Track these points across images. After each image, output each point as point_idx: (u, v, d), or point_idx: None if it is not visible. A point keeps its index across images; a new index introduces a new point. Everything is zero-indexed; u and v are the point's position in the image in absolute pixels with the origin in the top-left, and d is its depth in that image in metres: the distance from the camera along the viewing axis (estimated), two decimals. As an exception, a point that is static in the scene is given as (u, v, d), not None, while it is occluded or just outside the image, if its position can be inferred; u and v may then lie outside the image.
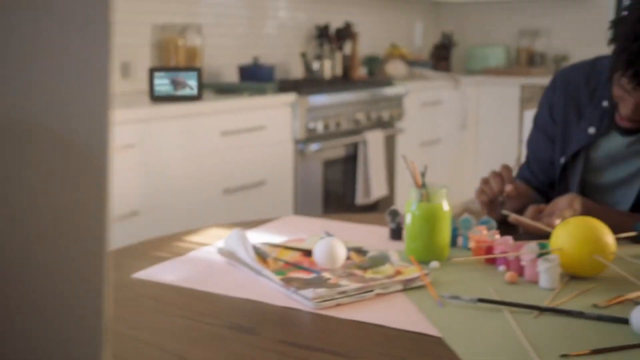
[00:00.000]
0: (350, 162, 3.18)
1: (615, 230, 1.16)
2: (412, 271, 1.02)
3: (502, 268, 1.06)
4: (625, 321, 0.84)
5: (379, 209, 3.40)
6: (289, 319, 0.89)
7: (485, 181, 1.29)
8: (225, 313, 0.90)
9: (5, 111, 0.39)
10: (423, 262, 1.09)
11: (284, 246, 1.15)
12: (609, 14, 3.58)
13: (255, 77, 3.07)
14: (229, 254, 1.11)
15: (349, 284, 0.97)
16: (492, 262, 1.10)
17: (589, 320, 0.87)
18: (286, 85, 2.94)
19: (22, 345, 0.41)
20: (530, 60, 4.53)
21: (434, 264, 1.08)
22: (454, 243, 1.19)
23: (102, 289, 0.44)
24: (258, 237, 1.25)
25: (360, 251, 1.12)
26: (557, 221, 1.12)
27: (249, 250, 1.07)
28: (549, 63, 4.45)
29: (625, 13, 1.16)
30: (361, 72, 3.95)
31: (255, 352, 0.79)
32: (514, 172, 1.33)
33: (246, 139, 2.58)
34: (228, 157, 2.52)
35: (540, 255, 1.02)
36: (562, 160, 1.39)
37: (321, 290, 0.94)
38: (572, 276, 1.03)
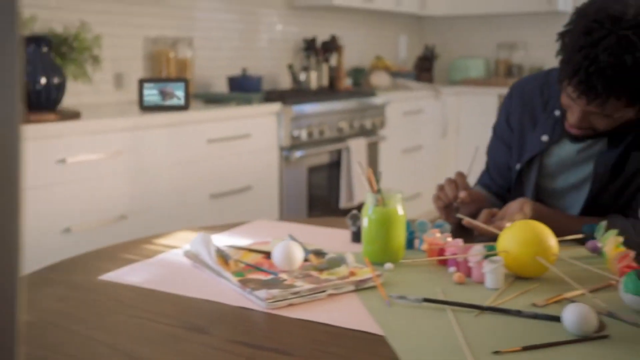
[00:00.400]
0: (334, 168, 3.18)
1: (564, 232, 1.16)
2: (365, 272, 1.02)
3: (452, 269, 1.06)
4: (558, 319, 0.84)
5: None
6: (243, 319, 0.89)
7: (440, 187, 1.29)
8: (182, 313, 0.90)
9: None
10: (379, 263, 1.09)
11: (247, 249, 1.15)
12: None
13: (244, 88, 3.07)
14: (193, 257, 1.11)
15: (303, 285, 0.97)
16: (444, 263, 1.09)
17: (525, 318, 0.87)
18: (272, 95, 2.94)
19: None
20: (508, 72, 4.53)
21: (389, 265, 1.08)
22: (411, 245, 1.19)
23: (14, 294, 0.43)
24: (226, 240, 1.25)
25: (319, 253, 1.11)
26: (507, 224, 1.11)
27: (211, 252, 1.07)
28: (526, 74, 4.45)
29: (570, 26, 1.17)
30: (347, 83, 3.95)
31: (204, 350, 0.79)
32: (474, 178, 1.33)
33: (232, 147, 2.58)
34: (214, 163, 2.51)
35: (487, 257, 1.02)
36: (518, 166, 1.39)
37: (274, 291, 0.93)
38: (517, 277, 1.03)
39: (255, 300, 0.93)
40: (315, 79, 3.60)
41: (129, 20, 2.82)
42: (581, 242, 1.15)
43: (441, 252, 1.10)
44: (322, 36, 3.87)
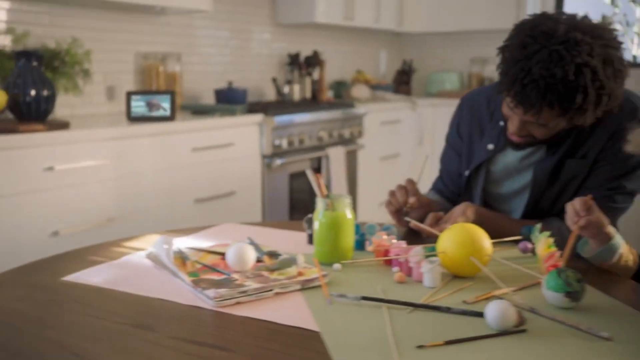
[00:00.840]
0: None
1: (506, 234, 1.16)
2: (313, 272, 1.02)
3: (395, 269, 1.06)
4: (482, 315, 0.83)
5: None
6: (191, 317, 0.88)
7: (392, 193, 1.29)
8: (133, 312, 0.89)
9: None
10: (328, 264, 1.09)
11: (206, 250, 1.14)
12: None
13: (229, 100, 3.07)
14: (154, 258, 1.10)
15: (251, 284, 0.96)
16: (389, 263, 1.09)
17: (454, 315, 0.87)
18: (255, 107, 2.94)
19: None
20: (480, 84, 4.54)
21: (337, 265, 1.08)
22: (362, 247, 1.19)
23: None
24: (191, 242, 1.24)
25: (273, 255, 1.11)
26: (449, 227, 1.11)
27: (170, 254, 1.06)
28: (497, 86, 4.47)
29: (509, 41, 1.17)
30: (329, 95, 3.96)
31: (146, 346, 0.78)
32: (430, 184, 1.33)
33: (216, 154, 2.58)
34: (199, 170, 2.51)
35: (428, 257, 1.02)
36: (467, 172, 1.39)
37: (222, 290, 0.93)
38: (454, 276, 1.03)
39: (205, 299, 0.93)
40: (298, 91, 3.60)
41: (121, 36, 2.82)
42: (518, 243, 1.15)
43: (386, 253, 1.10)
44: (305, 51, 3.87)
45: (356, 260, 1.10)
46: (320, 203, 1.11)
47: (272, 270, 1.04)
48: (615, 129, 1.19)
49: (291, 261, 1.06)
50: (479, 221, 1.19)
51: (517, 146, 1.28)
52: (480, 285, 0.98)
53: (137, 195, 2.26)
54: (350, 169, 3.45)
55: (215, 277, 1.01)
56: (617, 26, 4.04)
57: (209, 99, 3.28)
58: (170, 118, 2.42)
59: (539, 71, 1.08)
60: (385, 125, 3.82)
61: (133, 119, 2.40)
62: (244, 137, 2.73)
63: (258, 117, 2.78)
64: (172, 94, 2.44)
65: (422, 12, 4.56)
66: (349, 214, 1.11)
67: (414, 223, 1.19)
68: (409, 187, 1.27)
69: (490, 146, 1.34)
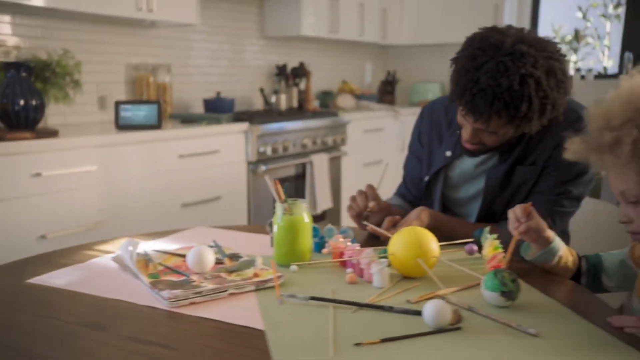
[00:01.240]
0: (299, 179, 3.17)
1: (459, 236, 1.16)
2: (268, 274, 1.01)
3: (349, 270, 1.05)
4: (421, 314, 0.83)
5: (326, 219, 3.38)
6: (144, 317, 0.87)
7: (353, 198, 1.28)
8: (88, 312, 0.88)
9: None
10: (285, 265, 1.08)
11: (171, 253, 1.14)
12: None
13: (217, 109, 3.06)
14: (119, 260, 1.09)
15: (207, 285, 0.96)
16: (344, 265, 1.09)
17: (396, 313, 0.86)
18: (241, 116, 2.93)
19: None
20: (461, 94, 4.55)
21: (293, 267, 1.07)
22: (321, 249, 1.18)
23: None
24: (158, 245, 1.23)
25: (234, 257, 1.10)
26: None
27: (133, 256, 1.05)
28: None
29: (461, 53, 1.17)
30: (315, 104, 3.96)
31: (94, 346, 0.77)
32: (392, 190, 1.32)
33: (202, 161, 2.57)
34: (185, 176, 2.50)
35: (381, 258, 1.01)
36: (427, 178, 1.39)
37: (177, 291, 0.92)
38: (404, 277, 1.02)
39: (161, 300, 0.92)
40: (285, 101, 3.60)
41: (112, 48, 2.82)
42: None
43: (342, 255, 1.09)
44: (292, 63, 3.88)
45: (312, 262, 1.09)
46: (279, 208, 1.11)
47: (230, 271, 1.03)
48: (561, 137, 1.19)
49: (250, 263, 1.06)
50: (433, 225, 1.18)
51: (472, 153, 1.28)
52: (426, 285, 0.97)
53: (124, 200, 2.25)
54: (334, 175, 3.45)
55: (174, 278, 1.00)
56: (589, 39, 4.05)
57: (199, 108, 3.28)
58: (157, 126, 2.41)
59: (487, 81, 1.08)
60: (368, 133, 3.82)
61: (121, 127, 2.40)
62: (229, 145, 2.72)
63: (244, 126, 2.78)
64: (158, 103, 2.43)
65: (405, 25, 4.57)
66: (306, 218, 1.10)
67: (370, 226, 1.19)
68: (369, 192, 1.27)
69: (448, 153, 1.34)
